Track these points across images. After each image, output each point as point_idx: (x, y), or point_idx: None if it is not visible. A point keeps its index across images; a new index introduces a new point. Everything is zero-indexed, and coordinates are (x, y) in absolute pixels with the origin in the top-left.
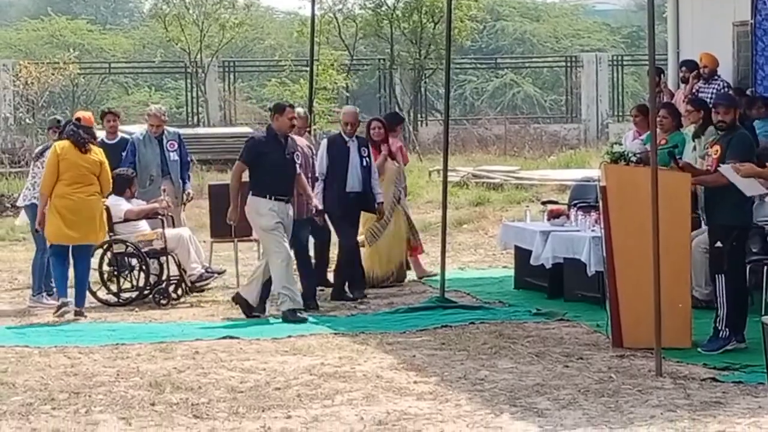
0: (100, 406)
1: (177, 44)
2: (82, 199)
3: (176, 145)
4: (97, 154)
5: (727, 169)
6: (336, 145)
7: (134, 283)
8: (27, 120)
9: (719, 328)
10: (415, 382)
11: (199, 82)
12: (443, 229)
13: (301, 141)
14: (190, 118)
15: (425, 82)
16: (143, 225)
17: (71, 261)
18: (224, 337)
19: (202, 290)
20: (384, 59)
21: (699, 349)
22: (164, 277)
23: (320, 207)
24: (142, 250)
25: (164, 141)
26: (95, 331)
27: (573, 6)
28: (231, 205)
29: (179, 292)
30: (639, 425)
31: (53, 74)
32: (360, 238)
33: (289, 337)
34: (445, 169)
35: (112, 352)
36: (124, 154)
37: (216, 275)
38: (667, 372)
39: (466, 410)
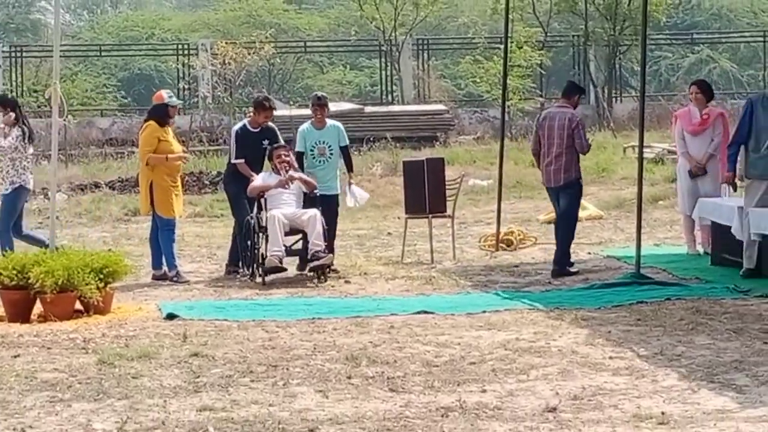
0: (298, 379)
1: (371, 22)
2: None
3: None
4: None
5: None
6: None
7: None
8: (225, 99)
9: None
10: (610, 358)
11: (393, 60)
12: (639, 206)
13: None
14: (384, 96)
15: (620, 59)
16: (289, 199)
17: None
18: (419, 312)
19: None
20: (578, 36)
21: None
22: (260, 253)
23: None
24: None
25: None
26: (292, 305)
27: None
28: None
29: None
30: None
31: (250, 54)
32: None
33: (484, 312)
34: (641, 146)
35: (308, 326)
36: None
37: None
38: None
39: (663, 386)
